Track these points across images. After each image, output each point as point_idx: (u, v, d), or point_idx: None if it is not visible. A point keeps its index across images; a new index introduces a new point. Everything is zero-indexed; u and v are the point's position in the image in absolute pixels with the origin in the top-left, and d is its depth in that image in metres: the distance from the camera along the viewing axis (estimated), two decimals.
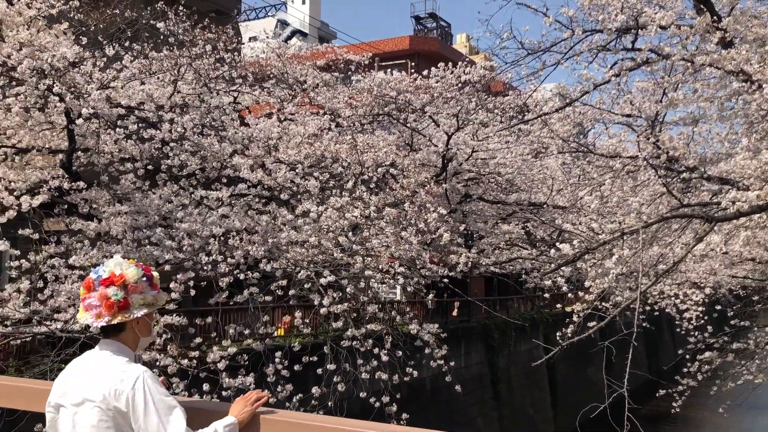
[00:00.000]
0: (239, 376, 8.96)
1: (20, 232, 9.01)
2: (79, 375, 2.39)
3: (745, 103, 7.83)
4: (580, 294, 11.87)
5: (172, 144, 10.81)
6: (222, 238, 9.74)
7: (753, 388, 14.10)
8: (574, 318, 10.87)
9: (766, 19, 7.61)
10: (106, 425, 2.27)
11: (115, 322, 2.42)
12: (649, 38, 8.66)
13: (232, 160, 11.38)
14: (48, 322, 8.78)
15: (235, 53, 16.69)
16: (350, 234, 11.02)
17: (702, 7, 7.82)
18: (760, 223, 9.60)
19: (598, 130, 13.97)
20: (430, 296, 11.95)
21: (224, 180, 11.24)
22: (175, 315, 8.94)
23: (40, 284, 9.17)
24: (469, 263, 14.72)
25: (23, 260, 8.76)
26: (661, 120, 10.53)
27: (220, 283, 9.17)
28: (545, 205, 16.56)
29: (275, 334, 12.18)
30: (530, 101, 12.58)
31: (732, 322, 13.85)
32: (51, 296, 8.94)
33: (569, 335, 10.76)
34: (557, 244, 11.76)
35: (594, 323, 10.76)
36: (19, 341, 9.32)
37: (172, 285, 9.17)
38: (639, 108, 10.20)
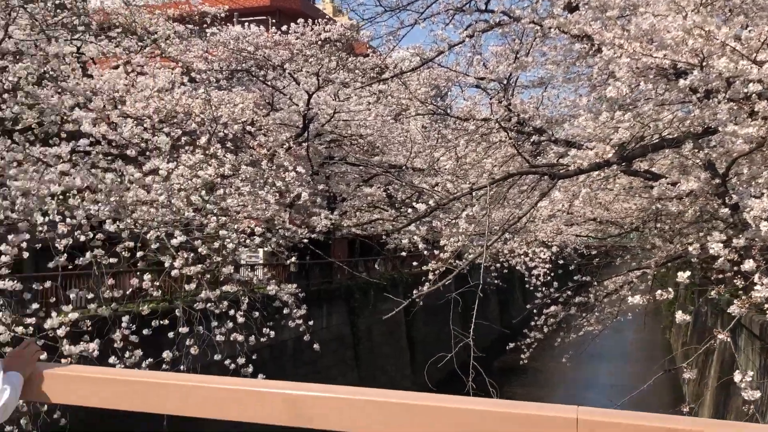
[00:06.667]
0: (82, 343, 8.44)
1: None
2: None
3: (588, 66, 8.20)
4: (436, 253, 12.16)
5: (5, 95, 9.89)
6: (61, 197, 9.05)
7: (593, 339, 15.18)
8: (430, 276, 11.13)
9: None
10: None
11: None
12: (502, 0, 8.86)
13: (73, 114, 10.56)
14: None
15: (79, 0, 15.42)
16: (203, 193, 10.60)
17: None
18: (598, 179, 10.20)
19: (455, 93, 14.25)
20: (292, 259, 11.80)
21: (64, 135, 10.42)
22: (8, 280, 8.23)
23: None
24: (331, 225, 14.68)
25: None
26: (513, 83, 10.87)
27: (58, 245, 8.53)
28: (405, 167, 16.76)
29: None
30: (389, 61, 12.59)
31: (575, 278, 14.73)
32: None
33: (424, 292, 11.02)
34: (414, 204, 11.95)
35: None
36: None
37: (2, 247, 8.44)
38: (493, 71, 10.46)
